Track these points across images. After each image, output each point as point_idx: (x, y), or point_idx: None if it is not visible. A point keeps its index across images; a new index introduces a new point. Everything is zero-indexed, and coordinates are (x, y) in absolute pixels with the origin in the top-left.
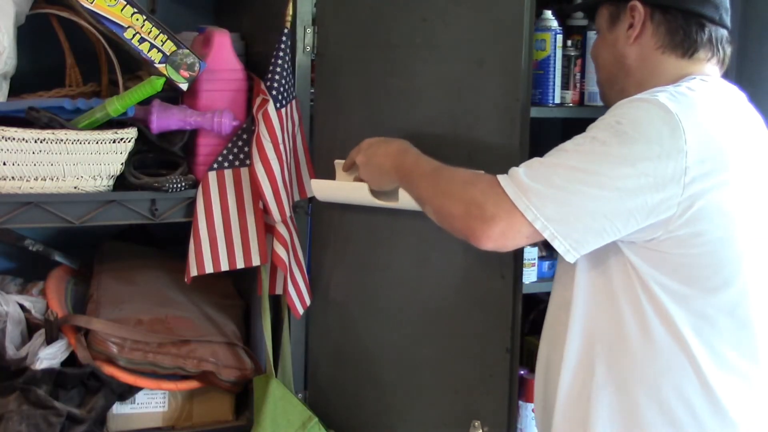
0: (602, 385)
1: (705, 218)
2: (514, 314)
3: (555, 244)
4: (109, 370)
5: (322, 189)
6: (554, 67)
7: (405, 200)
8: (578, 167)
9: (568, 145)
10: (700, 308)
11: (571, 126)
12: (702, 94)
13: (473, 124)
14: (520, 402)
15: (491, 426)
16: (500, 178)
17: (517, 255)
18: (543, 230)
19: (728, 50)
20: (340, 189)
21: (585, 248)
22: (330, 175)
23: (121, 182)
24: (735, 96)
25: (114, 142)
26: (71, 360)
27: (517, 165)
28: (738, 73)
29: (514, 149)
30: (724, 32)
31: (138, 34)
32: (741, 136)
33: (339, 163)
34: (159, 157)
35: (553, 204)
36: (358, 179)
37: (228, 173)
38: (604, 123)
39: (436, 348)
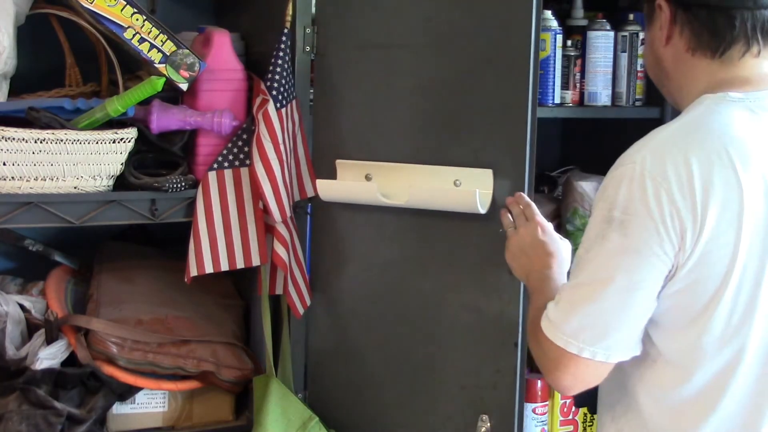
0: (623, 411)
1: (702, 268)
2: (522, 308)
3: (623, 364)
4: (109, 370)
5: (327, 189)
6: (554, 67)
7: (412, 200)
8: (598, 290)
9: (581, 258)
10: (681, 336)
11: (571, 126)
12: (702, 129)
13: (476, 124)
14: None
15: (498, 420)
16: (546, 332)
17: None
18: (607, 359)
19: None
20: (346, 189)
21: (640, 342)
22: (330, 175)
23: (121, 182)
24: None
25: (114, 142)
26: (71, 360)
27: (521, 166)
28: None
29: (520, 149)
30: (766, 13)
31: (138, 34)
32: (754, 165)
33: (340, 163)
34: (159, 157)
35: (599, 332)
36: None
37: (228, 173)
38: (601, 216)
39: (440, 345)
